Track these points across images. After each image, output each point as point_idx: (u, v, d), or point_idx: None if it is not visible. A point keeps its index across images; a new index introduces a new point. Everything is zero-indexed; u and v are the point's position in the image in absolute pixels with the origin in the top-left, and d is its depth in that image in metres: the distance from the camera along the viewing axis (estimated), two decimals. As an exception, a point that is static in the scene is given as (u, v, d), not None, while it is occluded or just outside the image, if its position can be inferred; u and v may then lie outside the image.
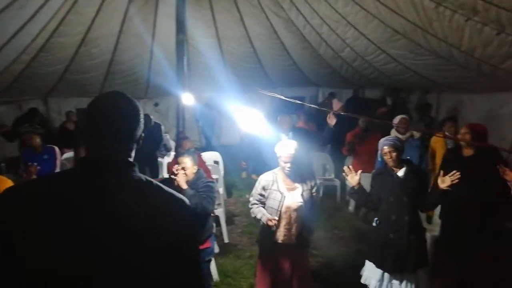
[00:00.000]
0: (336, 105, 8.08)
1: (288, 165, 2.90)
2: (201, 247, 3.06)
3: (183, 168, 3.01)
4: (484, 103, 7.27)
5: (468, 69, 5.77)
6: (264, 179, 3.01)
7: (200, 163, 4.66)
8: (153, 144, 6.06)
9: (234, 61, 8.04)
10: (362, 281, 3.15)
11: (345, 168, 3.06)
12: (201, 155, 4.73)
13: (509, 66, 5.09)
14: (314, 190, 3.01)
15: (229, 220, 5.32)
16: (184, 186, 2.93)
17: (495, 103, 7.09)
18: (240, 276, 3.80)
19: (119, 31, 6.64)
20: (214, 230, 3.41)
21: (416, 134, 4.79)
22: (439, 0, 4.18)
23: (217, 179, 5.22)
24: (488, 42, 4.58)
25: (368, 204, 3.14)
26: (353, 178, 3.02)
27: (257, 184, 3.05)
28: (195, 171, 3.11)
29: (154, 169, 5.96)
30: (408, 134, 4.62)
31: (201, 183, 3.08)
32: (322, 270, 3.96)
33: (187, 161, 3.06)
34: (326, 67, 7.95)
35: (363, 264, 3.23)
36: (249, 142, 5.23)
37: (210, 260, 3.24)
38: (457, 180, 2.74)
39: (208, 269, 3.27)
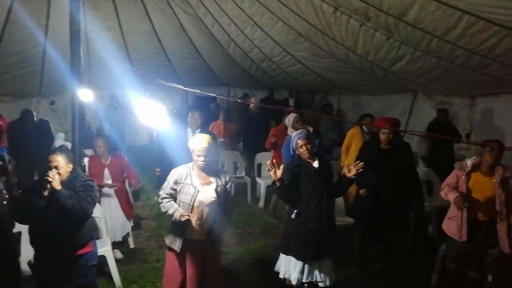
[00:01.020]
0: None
1: (202, 158, 2.82)
2: (82, 251, 2.81)
3: (55, 167, 2.72)
4: (377, 104, 8.03)
5: (363, 71, 6.31)
6: (177, 173, 2.91)
7: (124, 164, 4.33)
8: (41, 142, 5.47)
9: (140, 57, 7.68)
10: (281, 275, 3.17)
11: (268, 162, 3.01)
12: (123, 156, 4.38)
13: (398, 69, 5.68)
14: (228, 186, 2.96)
15: (136, 225, 5.04)
16: (58, 186, 2.65)
17: (386, 104, 7.91)
18: (146, 281, 3.60)
19: (4, 21, 5.88)
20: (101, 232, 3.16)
21: (310, 130, 5.09)
22: (336, 5, 4.46)
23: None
24: (379, 47, 5.04)
25: (288, 199, 3.14)
26: (276, 172, 2.96)
27: (169, 177, 2.93)
28: (69, 169, 2.82)
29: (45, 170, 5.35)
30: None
31: (79, 182, 2.81)
32: (232, 266, 3.95)
33: (60, 160, 2.76)
34: (236, 67, 8.03)
35: (273, 258, 3.28)
36: (160, 143, 5.01)
37: (94, 265, 2.94)
38: (361, 169, 2.93)
39: (93, 276, 2.97)
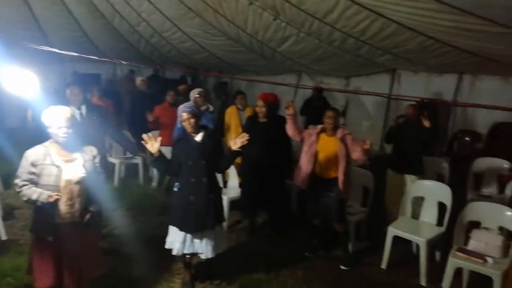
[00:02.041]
0: (139, 81, 7.73)
1: (64, 130, 2.53)
2: None
3: None
4: (267, 84, 8.37)
5: (253, 51, 6.49)
6: (32, 154, 2.54)
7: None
8: None
9: (5, 26, 6.64)
10: (167, 246, 3.18)
11: (144, 136, 2.94)
12: None
13: (284, 49, 5.98)
14: (97, 160, 2.75)
15: (8, 215, 4.46)
16: None
17: (275, 84, 8.31)
18: (22, 273, 3.22)
19: None
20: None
21: (211, 108, 5.11)
22: (225, -20, 4.47)
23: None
24: (267, 27, 5.23)
25: (170, 170, 3.18)
26: (153, 145, 2.95)
27: (23, 162, 2.54)
28: None
29: None
30: (205, 107, 4.87)
31: None
32: (125, 248, 3.79)
33: None
34: (122, 42, 7.51)
35: (166, 235, 3.25)
36: (35, 124, 4.41)
37: None
38: (246, 142, 3.03)
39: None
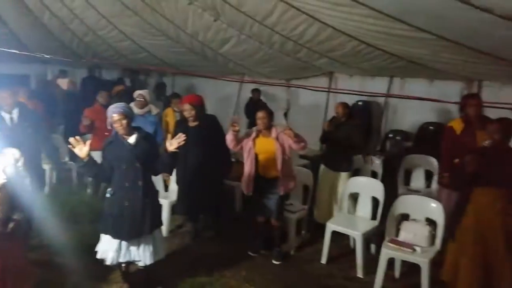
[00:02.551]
0: (64, 84, 7.30)
1: None
2: None
3: None
4: (210, 87, 8.33)
5: (195, 52, 6.42)
6: None
7: None
8: None
9: None
10: (99, 256, 3.02)
11: (71, 139, 2.76)
12: None
13: (226, 51, 5.99)
14: (20, 164, 2.55)
15: None
16: None
17: (218, 87, 8.31)
18: None
19: None
20: None
21: (154, 110, 4.95)
22: (164, -21, 4.39)
23: None
24: (208, 27, 5.21)
25: (101, 175, 3.01)
26: (81, 150, 2.77)
27: None
28: None
29: None
30: (146, 109, 4.70)
31: None
32: (57, 258, 3.54)
33: None
34: (53, 40, 7.05)
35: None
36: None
37: None
38: (183, 142, 2.96)
39: None
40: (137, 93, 4.83)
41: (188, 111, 3.90)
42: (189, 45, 6.07)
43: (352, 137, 4.18)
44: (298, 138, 3.50)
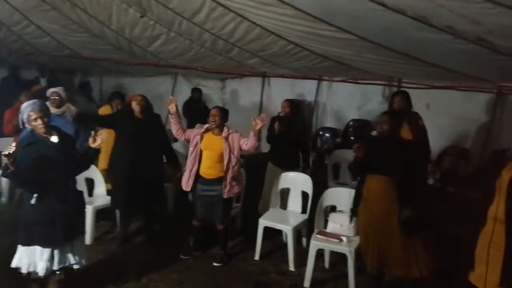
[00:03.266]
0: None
1: None
2: None
3: None
4: (141, 86, 8.03)
5: (122, 50, 6.14)
6: None
7: None
8: None
9: None
10: (24, 270, 2.75)
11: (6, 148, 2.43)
12: None
13: (155, 49, 5.80)
14: None
15: None
16: None
17: (150, 86, 8.04)
18: None
19: None
20: None
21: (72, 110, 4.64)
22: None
23: None
24: (134, 24, 5.00)
25: (26, 182, 2.68)
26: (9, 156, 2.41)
27: None
28: None
29: None
30: (63, 108, 4.38)
31: None
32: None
33: None
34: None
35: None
36: None
37: None
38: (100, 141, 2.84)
39: None
40: (50, 91, 4.46)
41: (138, 101, 3.85)
42: (116, 43, 5.79)
43: (300, 135, 4.28)
44: (259, 134, 3.50)
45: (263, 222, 3.77)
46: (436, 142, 4.61)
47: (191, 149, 3.66)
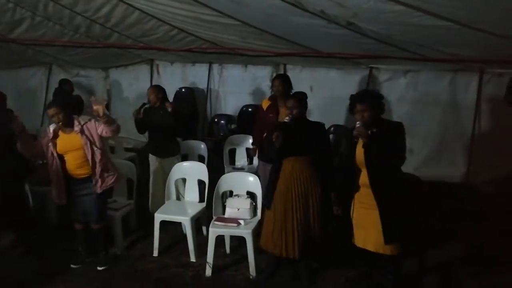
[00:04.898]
0: None
1: None
2: None
3: None
4: (11, 80, 7.04)
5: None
6: None
7: None
8: None
9: None
10: None
11: None
12: None
13: (19, 36, 5.06)
14: None
15: None
16: None
17: (20, 79, 7.10)
18: None
19: None
20: None
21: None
22: None
23: None
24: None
25: None
26: None
27: None
28: None
29: None
30: None
31: None
32: None
33: None
34: None
35: None
36: None
37: None
38: None
39: None
40: None
41: None
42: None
43: (168, 123, 4.07)
44: (108, 117, 3.13)
45: (159, 216, 3.60)
46: (321, 121, 4.96)
47: (49, 160, 3.21)
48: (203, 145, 4.78)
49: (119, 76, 6.77)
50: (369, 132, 2.60)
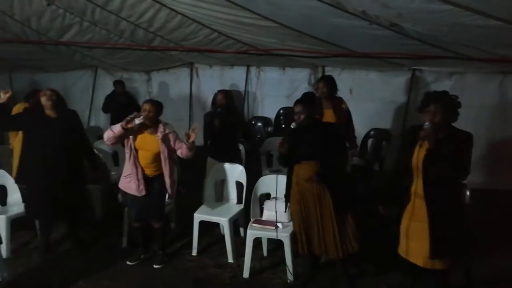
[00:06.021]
0: None
1: None
2: None
3: None
4: (59, 82, 7.38)
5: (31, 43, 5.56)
6: None
7: None
8: None
9: None
10: None
11: None
12: None
13: (70, 40, 5.32)
14: None
15: None
16: None
17: (68, 81, 7.45)
18: None
19: None
20: None
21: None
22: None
23: None
24: (41, 13, 4.53)
25: None
26: None
27: None
28: None
29: None
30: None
31: None
32: None
33: None
34: None
35: None
36: None
37: None
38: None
39: None
40: None
41: (48, 96, 3.43)
42: (22, 34, 5.22)
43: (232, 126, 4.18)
44: (193, 144, 3.30)
45: (198, 216, 3.67)
46: (361, 124, 4.87)
47: (127, 152, 3.35)
48: (241, 147, 4.81)
49: (161, 79, 6.96)
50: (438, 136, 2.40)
